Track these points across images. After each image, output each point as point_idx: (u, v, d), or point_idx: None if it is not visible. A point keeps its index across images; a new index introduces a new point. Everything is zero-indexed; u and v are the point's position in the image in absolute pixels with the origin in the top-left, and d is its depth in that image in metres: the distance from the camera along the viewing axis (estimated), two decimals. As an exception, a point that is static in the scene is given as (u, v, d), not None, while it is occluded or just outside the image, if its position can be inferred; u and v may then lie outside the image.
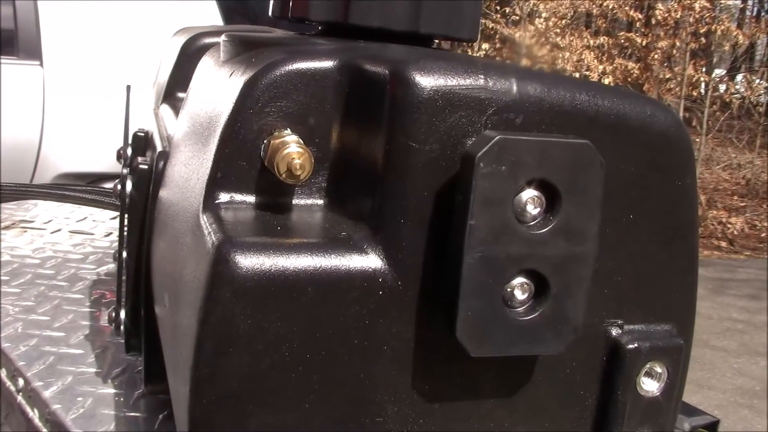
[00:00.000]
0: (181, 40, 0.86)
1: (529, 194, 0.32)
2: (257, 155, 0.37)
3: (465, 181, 0.31)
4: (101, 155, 2.62)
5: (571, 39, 8.42)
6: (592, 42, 8.24)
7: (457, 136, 0.33)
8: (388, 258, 0.33)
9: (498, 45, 9.33)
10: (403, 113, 0.33)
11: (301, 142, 0.37)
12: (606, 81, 8.15)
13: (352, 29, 0.46)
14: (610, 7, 8.22)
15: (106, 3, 2.78)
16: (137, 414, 0.65)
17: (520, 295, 0.33)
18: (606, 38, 8.29)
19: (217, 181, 0.37)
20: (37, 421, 0.64)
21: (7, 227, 1.15)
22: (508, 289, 0.32)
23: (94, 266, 1.01)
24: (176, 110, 0.76)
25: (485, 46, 9.21)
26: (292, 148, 0.35)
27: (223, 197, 0.37)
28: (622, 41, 8.28)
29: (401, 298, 0.33)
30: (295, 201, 0.38)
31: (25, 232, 1.13)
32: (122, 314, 0.64)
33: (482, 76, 0.33)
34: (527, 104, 0.34)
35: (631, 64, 7.97)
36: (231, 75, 0.43)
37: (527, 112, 0.34)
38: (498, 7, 9.20)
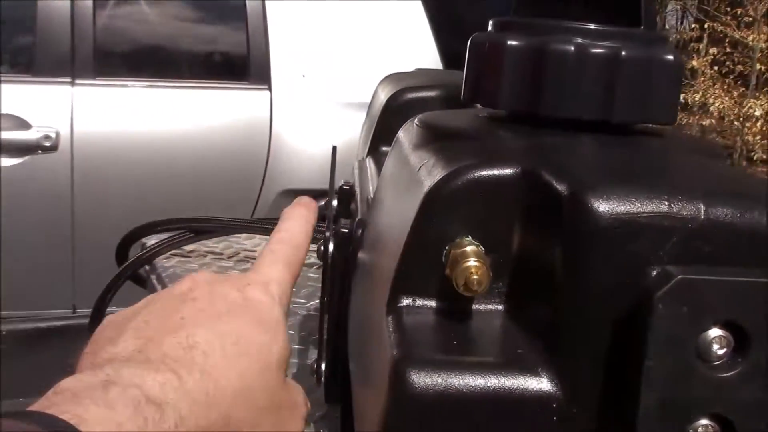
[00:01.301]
0: (386, 92, 0.89)
1: (714, 333, 0.30)
2: (439, 261, 0.38)
3: (642, 320, 0.30)
4: (321, 173, 2.78)
5: (815, 41, 7.66)
6: (840, 43, 7.45)
7: (636, 266, 0.32)
8: (562, 383, 0.33)
9: (728, 49, 8.70)
10: (579, 240, 0.32)
11: (482, 252, 0.37)
12: None
13: (541, 117, 0.45)
14: None
15: (330, 27, 2.93)
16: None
17: (703, 439, 0.31)
18: None
19: (400, 285, 0.39)
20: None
21: (230, 256, 1.26)
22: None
23: (305, 300, 1.08)
24: (378, 167, 0.79)
25: (713, 50, 8.63)
26: (470, 263, 0.36)
27: (405, 301, 0.39)
28: None
29: (575, 426, 0.33)
30: (475, 306, 0.39)
31: (247, 262, 1.23)
32: (323, 366, 0.68)
33: (666, 202, 0.32)
34: (716, 231, 0.32)
35: None
36: (419, 170, 0.44)
37: (716, 240, 0.32)
38: (728, 9, 8.58)
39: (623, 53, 0.44)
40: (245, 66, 2.89)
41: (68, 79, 2.63)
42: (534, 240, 0.36)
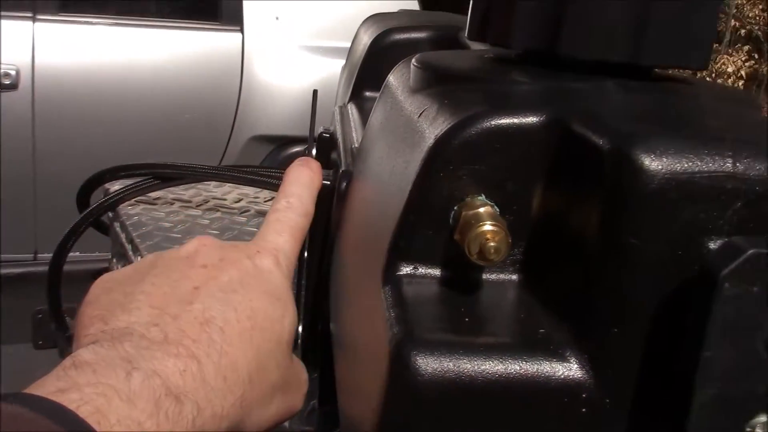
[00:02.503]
0: (371, 33, 0.83)
1: (785, 318, 0.25)
2: (446, 223, 0.33)
3: (702, 302, 0.25)
4: (291, 119, 2.70)
5: (791, -3, 7.63)
6: (816, 1, 7.42)
7: (692, 235, 0.27)
8: (596, 370, 0.28)
9: (705, 4, 8.61)
10: (625, 204, 0.27)
11: (497, 213, 0.32)
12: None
13: (556, 59, 0.40)
14: (841, -39, 7.34)
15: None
16: (309, 429, 0.64)
17: (763, 440, 0.26)
18: (833, -3, 7.43)
19: (399, 250, 0.33)
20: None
21: (198, 204, 1.20)
22: (748, 429, 0.26)
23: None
24: (362, 115, 0.73)
25: (690, 5, 8.53)
26: (486, 227, 0.30)
27: (405, 269, 0.33)
28: None
29: (609, 420, 0.28)
30: (486, 276, 0.33)
31: (217, 211, 1.17)
32: (299, 329, 0.62)
33: (730, 159, 0.26)
34: (788, 195, 0.27)
35: None
36: (420, 115, 0.38)
37: (787, 206, 0.27)
38: (707, -37, 8.47)
39: (656, -14, 0.38)
40: (216, 5, 2.77)
41: (30, 14, 2.50)
42: (561, 201, 0.31)
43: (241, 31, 2.76)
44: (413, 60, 0.46)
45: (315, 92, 0.70)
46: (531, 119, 0.32)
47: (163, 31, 2.73)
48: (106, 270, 1.26)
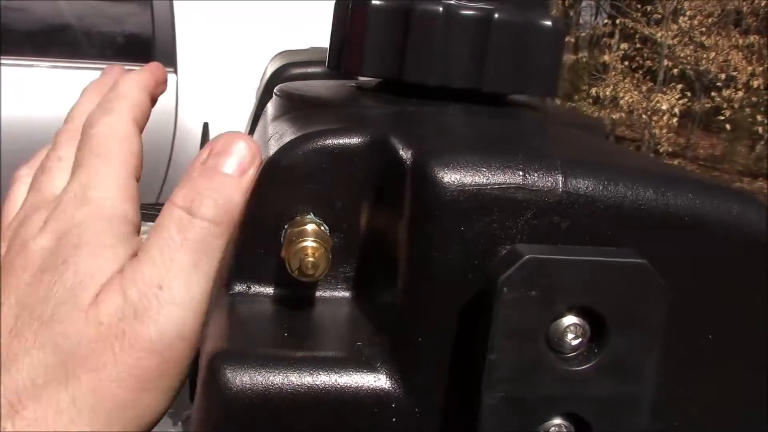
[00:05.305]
0: (272, 68, 0.84)
1: (568, 320, 0.26)
2: (278, 242, 0.33)
3: (485, 307, 0.26)
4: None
5: (718, 38, 7.96)
6: (741, 41, 7.76)
7: (487, 245, 0.28)
8: (404, 380, 0.29)
9: (638, 45, 8.96)
10: (423, 216, 0.28)
11: (323, 230, 0.33)
12: (755, 83, 7.66)
13: (409, 86, 0.41)
14: (762, 3, 7.69)
15: (239, 8, 2.84)
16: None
17: (554, 443, 0.27)
18: (757, 37, 7.77)
19: (234, 270, 0.34)
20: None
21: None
22: (541, 433, 0.27)
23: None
24: (256, 146, 0.74)
25: (624, 46, 8.87)
26: (306, 243, 0.31)
27: (239, 287, 0.34)
28: (775, 41, 7.74)
29: (417, 428, 0.29)
30: (318, 293, 0.34)
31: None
32: (188, 362, 0.62)
33: (520, 172, 0.28)
34: (576, 205, 0.28)
35: (784, 66, 7.44)
36: (268, 141, 0.39)
37: (575, 214, 0.28)
38: (639, 5, 8.83)
39: (495, 16, 0.40)
40: (150, 47, 2.77)
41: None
42: (381, 217, 0.32)
43: (175, 72, 2.77)
44: (275, 89, 0.47)
45: (205, 125, 0.71)
46: (356, 140, 0.33)
47: (95, 72, 2.71)
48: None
